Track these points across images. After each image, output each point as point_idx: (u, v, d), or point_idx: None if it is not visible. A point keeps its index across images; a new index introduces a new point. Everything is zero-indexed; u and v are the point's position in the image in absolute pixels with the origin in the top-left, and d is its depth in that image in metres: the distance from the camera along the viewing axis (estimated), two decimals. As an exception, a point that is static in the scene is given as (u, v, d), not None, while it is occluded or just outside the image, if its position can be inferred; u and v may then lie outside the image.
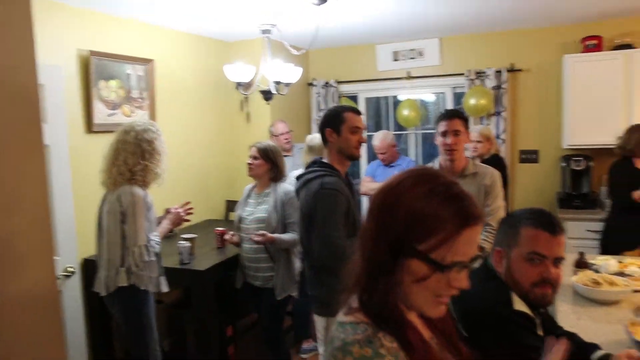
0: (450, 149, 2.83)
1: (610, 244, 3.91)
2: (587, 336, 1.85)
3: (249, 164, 3.40)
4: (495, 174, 2.94)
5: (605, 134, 4.58)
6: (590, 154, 4.81)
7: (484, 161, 4.14)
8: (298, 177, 2.80)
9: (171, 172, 3.19)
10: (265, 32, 3.89)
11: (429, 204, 0.98)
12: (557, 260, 1.64)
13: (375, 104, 6.24)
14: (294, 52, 3.91)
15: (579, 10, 4.46)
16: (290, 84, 4.07)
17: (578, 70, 4.73)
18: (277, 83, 3.98)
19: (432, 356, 1.04)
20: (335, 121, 2.62)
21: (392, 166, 4.57)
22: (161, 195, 3.57)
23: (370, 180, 4.56)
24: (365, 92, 5.88)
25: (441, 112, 2.99)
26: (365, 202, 5.21)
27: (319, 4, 3.46)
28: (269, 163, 3.38)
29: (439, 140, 2.89)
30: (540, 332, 1.64)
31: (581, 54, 4.78)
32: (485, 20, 4.70)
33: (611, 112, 4.66)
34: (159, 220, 3.09)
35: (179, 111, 4.65)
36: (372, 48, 5.67)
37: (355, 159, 2.74)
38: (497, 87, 5.11)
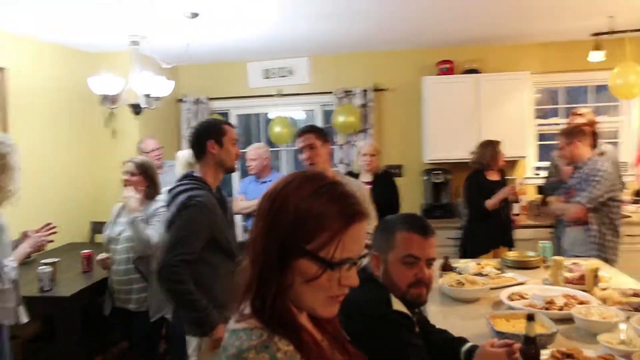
0: (310, 163, 2.96)
1: (469, 249, 4.27)
2: (455, 332, 2.00)
3: (126, 180, 3.23)
4: (363, 188, 3.10)
5: (460, 149, 5.02)
6: (448, 167, 5.24)
7: (377, 175, 4.33)
8: (169, 190, 2.72)
9: (28, 191, 2.92)
10: (134, 43, 3.75)
11: (314, 204, 0.99)
12: (430, 262, 1.76)
13: (246, 121, 6.27)
14: (164, 65, 3.81)
15: (434, 36, 4.90)
16: (160, 97, 3.95)
17: (435, 91, 5.16)
18: (147, 96, 3.85)
19: (325, 358, 1.06)
20: (217, 133, 2.59)
21: (265, 182, 4.57)
22: (17, 217, 3.25)
23: (243, 198, 4.53)
24: (236, 109, 5.89)
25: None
26: (239, 220, 5.17)
27: (192, 17, 3.42)
28: (147, 179, 3.24)
29: (300, 157, 3.02)
30: (417, 330, 1.74)
31: (437, 76, 5.24)
32: (351, 41, 4.96)
33: (464, 129, 5.13)
34: (15, 244, 2.80)
35: (36, 125, 4.30)
36: (244, 65, 5.70)
37: (233, 171, 2.74)
38: (364, 106, 5.40)
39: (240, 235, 4.79)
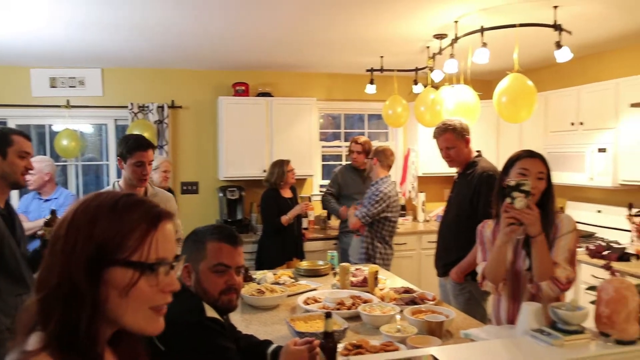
0: (145, 179, 3.04)
1: (264, 261, 4.51)
2: (259, 336, 2.15)
3: None
4: (171, 198, 3.20)
5: (253, 167, 5.31)
6: (242, 184, 5.45)
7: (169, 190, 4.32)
8: None
9: None
10: None
11: (116, 217, 0.97)
12: (239, 269, 1.88)
13: (28, 132, 5.65)
14: None
15: (230, 59, 5.09)
16: None
17: (230, 111, 5.34)
18: None
19: None
20: (0, 143, 2.37)
21: (49, 199, 4.21)
22: None
23: (24, 218, 4.10)
24: (16, 119, 5.28)
25: (131, 142, 3.03)
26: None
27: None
28: None
29: (133, 170, 2.97)
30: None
31: (233, 97, 5.43)
32: (148, 56, 4.89)
33: (257, 148, 5.41)
34: None
35: None
36: (26, 71, 5.18)
37: (21, 186, 2.52)
38: (160, 122, 5.33)
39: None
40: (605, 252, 3.87)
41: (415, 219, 6.16)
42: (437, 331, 2.22)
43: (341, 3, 3.36)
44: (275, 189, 4.66)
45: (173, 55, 4.89)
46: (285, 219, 4.53)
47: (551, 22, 3.33)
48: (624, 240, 4.24)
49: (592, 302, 1.82)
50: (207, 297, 1.81)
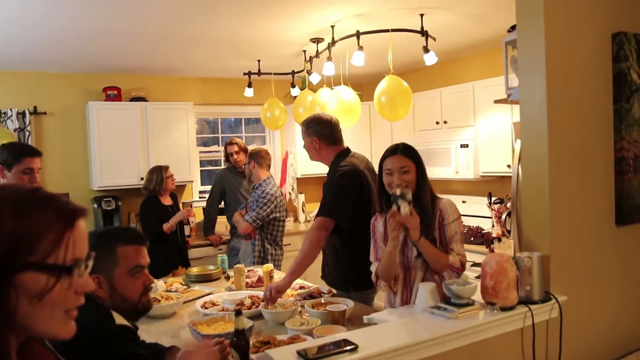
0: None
1: (149, 271, 4.31)
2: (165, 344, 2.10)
3: None
4: None
5: (130, 175, 5.09)
6: (118, 194, 5.19)
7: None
8: None
9: None
10: None
11: (24, 215, 0.89)
12: (148, 267, 1.86)
13: None
14: None
15: (99, 62, 4.83)
16: None
17: (102, 117, 5.07)
18: None
19: None
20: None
21: None
22: None
23: None
24: None
25: (19, 147, 2.94)
26: None
27: None
28: None
29: (19, 177, 2.79)
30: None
31: (104, 101, 5.16)
32: (4, 57, 4.47)
33: (133, 155, 5.19)
34: None
35: None
36: None
37: None
38: (21, 130, 4.90)
39: None
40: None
41: (296, 219, 6.29)
42: (341, 320, 2.33)
43: (216, 5, 3.36)
44: (154, 197, 4.51)
45: (34, 57, 4.52)
46: (167, 226, 4.41)
47: (419, 29, 3.63)
48: (486, 226, 4.72)
49: (477, 277, 2.04)
50: (126, 303, 1.75)
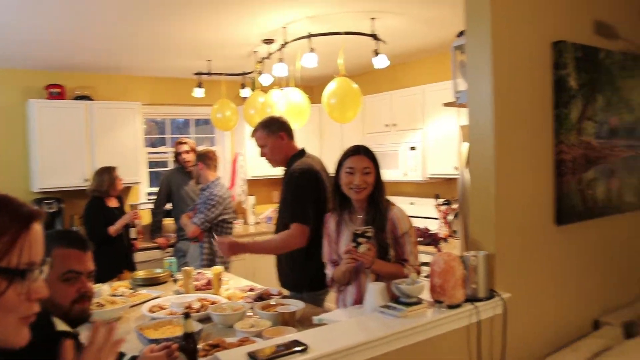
0: None
1: (96, 274, 4.17)
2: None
3: None
4: None
5: (74, 176, 4.92)
6: (61, 196, 4.99)
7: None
8: None
9: None
10: None
11: None
12: (90, 274, 1.77)
13: None
14: None
15: (41, 58, 4.64)
16: None
17: (44, 116, 4.88)
18: None
19: None
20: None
21: None
22: None
23: None
24: None
25: None
26: None
27: None
28: None
29: None
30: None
31: (46, 100, 4.96)
32: None
33: (77, 156, 5.02)
34: None
35: None
36: None
37: None
38: (-45, 128, 4.65)
39: None
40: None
41: (246, 222, 6.24)
42: (291, 321, 2.32)
43: (165, 5, 3.29)
44: (100, 199, 4.37)
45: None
46: (113, 229, 4.28)
47: (370, 32, 3.67)
48: (434, 227, 4.82)
49: (426, 277, 2.08)
50: (57, 309, 1.67)
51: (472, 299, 2.06)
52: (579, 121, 2.50)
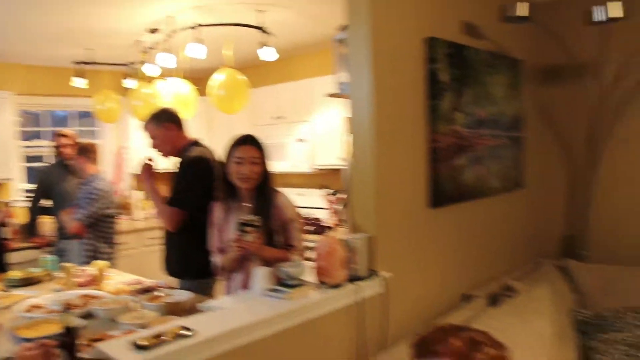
0: None
1: None
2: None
3: None
4: None
5: None
6: None
7: None
8: None
9: None
10: None
11: None
12: None
13: None
14: None
15: None
16: None
17: None
18: None
19: None
20: None
21: None
22: None
23: None
24: None
25: None
26: None
27: None
28: None
29: None
30: None
31: None
32: None
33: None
34: None
35: None
36: None
37: None
38: None
39: None
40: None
41: (132, 217, 6.02)
42: (178, 311, 2.31)
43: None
44: None
45: None
46: None
47: (257, 25, 3.70)
48: (322, 217, 4.96)
49: (311, 259, 2.16)
50: None
51: (354, 279, 2.17)
52: (450, 112, 2.72)
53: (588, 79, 3.40)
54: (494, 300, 2.80)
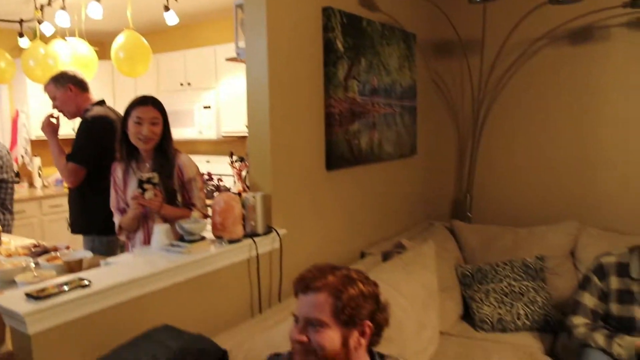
0: None
1: None
2: None
3: None
4: None
5: None
6: None
7: None
8: None
9: None
10: None
11: None
12: None
13: None
14: None
15: None
16: None
17: None
18: None
19: None
20: None
21: None
22: None
23: None
24: None
25: None
26: None
27: None
28: None
29: None
30: None
31: None
32: None
33: None
34: None
35: None
36: None
37: None
38: None
39: None
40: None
41: (32, 185, 5.78)
42: (77, 270, 2.33)
43: None
44: None
45: None
46: None
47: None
48: (229, 183, 5.03)
49: (209, 216, 2.26)
50: None
51: (251, 234, 2.30)
52: (345, 79, 2.88)
53: (472, 55, 3.69)
54: (386, 257, 3.04)
